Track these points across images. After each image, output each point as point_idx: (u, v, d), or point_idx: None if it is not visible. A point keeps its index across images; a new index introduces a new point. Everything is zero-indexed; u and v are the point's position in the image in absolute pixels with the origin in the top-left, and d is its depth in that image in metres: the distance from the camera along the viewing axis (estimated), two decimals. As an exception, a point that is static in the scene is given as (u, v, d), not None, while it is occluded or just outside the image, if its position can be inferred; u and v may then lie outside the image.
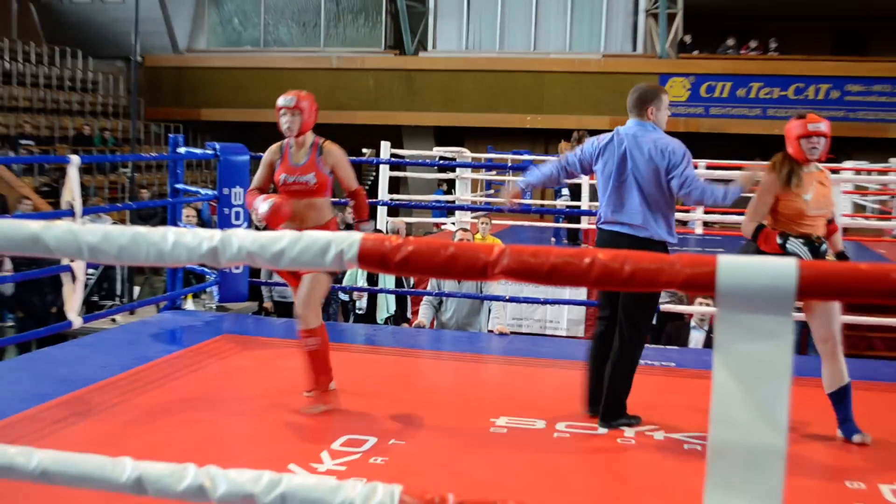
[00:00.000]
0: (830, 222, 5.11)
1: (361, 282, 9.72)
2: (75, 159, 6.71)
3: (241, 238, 1.70)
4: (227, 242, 1.70)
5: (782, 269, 1.55)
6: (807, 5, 23.30)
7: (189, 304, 8.57)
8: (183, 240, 1.73)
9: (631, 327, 5.22)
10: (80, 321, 6.88)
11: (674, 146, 5.22)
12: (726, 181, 6.21)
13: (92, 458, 1.86)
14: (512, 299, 8.58)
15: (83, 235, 1.74)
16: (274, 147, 5.73)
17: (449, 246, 1.60)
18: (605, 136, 5.46)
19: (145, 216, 14.94)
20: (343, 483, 1.68)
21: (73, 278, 6.88)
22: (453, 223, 12.69)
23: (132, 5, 19.31)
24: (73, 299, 6.85)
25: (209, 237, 1.72)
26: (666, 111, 5.42)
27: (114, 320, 9.09)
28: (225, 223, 8.04)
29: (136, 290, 11.53)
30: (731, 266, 1.56)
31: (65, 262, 6.79)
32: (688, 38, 23.91)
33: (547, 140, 22.94)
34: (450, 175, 16.32)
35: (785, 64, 22.68)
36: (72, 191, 6.70)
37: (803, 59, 22.88)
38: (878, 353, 9.96)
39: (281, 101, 5.52)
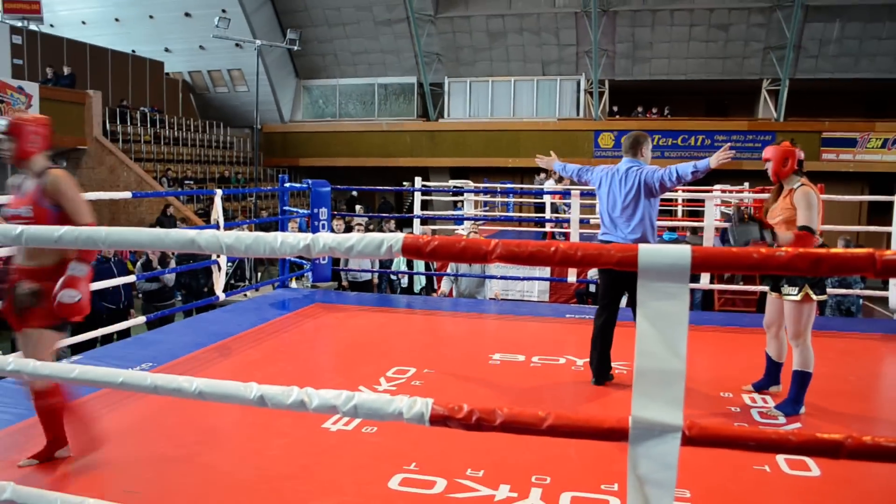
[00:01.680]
0: (802, 229, 4.01)
1: (403, 267, 9.75)
2: (219, 192, 6.71)
3: (324, 238, 1.68)
4: (315, 241, 1.68)
5: (681, 252, 1.51)
6: (687, 85, 23.22)
7: (294, 284, 8.55)
8: (287, 240, 1.71)
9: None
10: (224, 296, 6.89)
11: (650, 168, 4.58)
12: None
13: (231, 384, 1.84)
14: (502, 277, 8.54)
15: (222, 238, 1.71)
16: (19, 175, 3.40)
17: (462, 241, 1.58)
18: (610, 168, 4.74)
19: (264, 229, 14.92)
20: (394, 397, 1.66)
21: (219, 268, 6.88)
22: (463, 230, 12.62)
23: (254, 93, 19.39)
24: (219, 282, 6.85)
25: (304, 238, 1.70)
26: (650, 152, 4.74)
27: (245, 295, 9.08)
28: (315, 231, 8.04)
29: (259, 274, 11.54)
30: (647, 251, 1.52)
31: (213, 257, 6.79)
32: (614, 108, 23.85)
33: (522, 175, 22.88)
34: (460, 198, 16.29)
35: (675, 123, 22.59)
36: (217, 212, 6.70)
37: (686, 119, 22.79)
38: (739, 308, 9.88)
39: None
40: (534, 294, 10.37)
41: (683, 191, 12.64)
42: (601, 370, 4.62)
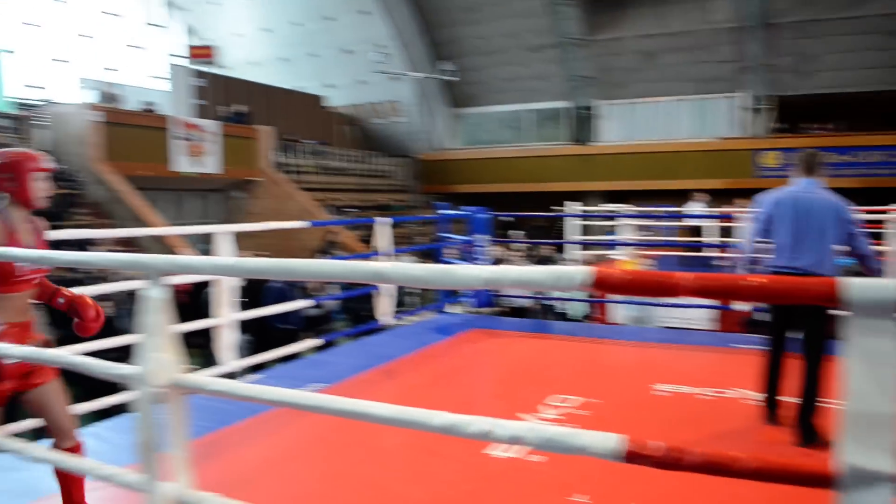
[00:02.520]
0: None
1: (558, 294, 9.64)
2: (382, 220, 6.93)
3: (511, 272, 1.66)
4: (502, 275, 1.67)
5: (889, 286, 1.40)
6: (860, 97, 21.62)
7: (454, 309, 8.63)
8: (474, 273, 1.71)
9: (812, 354, 4.07)
10: (388, 320, 7.07)
11: (844, 203, 4.20)
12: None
13: (416, 410, 1.85)
14: (666, 304, 8.22)
15: (412, 271, 1.75)
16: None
17: (653, 275, 1.52)
18: (784, 191, 4.35)
19: (425, 255, 15.04)
20: (582, 431, 1.62)
21: (382, 293, 7.07)
22: (619, 255, 12.33)
23: (410, 123, 20.05)
24: (382, 306, 7.04)
25: (490, 271, 1.68)
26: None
27: (406, 319, 9.28)
28: (474, 260, 8.11)
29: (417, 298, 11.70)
30: (857, 285, 1.42)
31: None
32: (778, 125, 22.62)
33: (681, 198, 22.07)
34: (615, 223, 15.95)
35: (847, 138, 21.03)
36: (385, 240, 6.89)
37: (859, 134, 21.19)
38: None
39: (47, 162, 2.99)
40: (699, 322, 9.92)
41: (862, 210, 11.70)
42: (776, 407, 4.33)
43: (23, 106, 18.00)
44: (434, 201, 25.13)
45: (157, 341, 2.08)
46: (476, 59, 25.00)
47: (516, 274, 1.66)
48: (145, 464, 2.12)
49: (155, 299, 2.08)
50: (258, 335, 9.17)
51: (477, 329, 7.27)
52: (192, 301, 7.70)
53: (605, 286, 1.55)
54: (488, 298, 8.43)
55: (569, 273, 1.57)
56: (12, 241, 2.86)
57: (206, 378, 2.10)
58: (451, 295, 8.90)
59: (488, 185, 24.93)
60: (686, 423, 4.26)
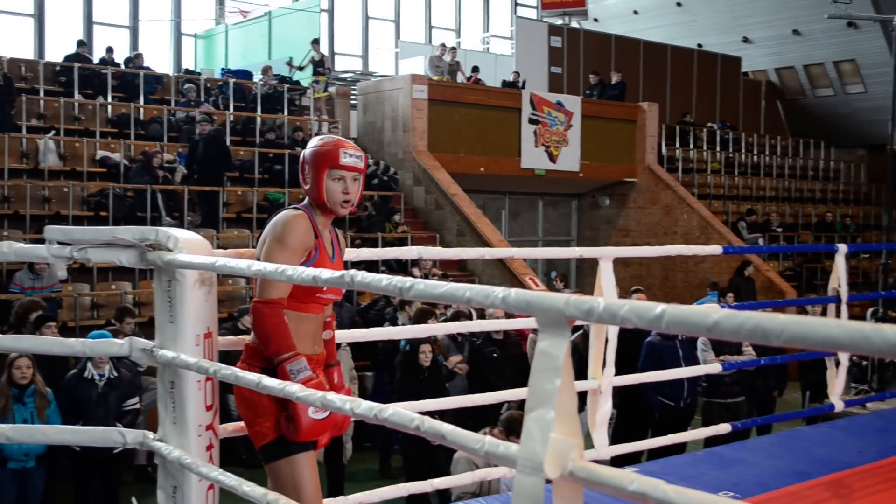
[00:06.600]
0: None
1: None
2: (843, 248, 6.62)
3: None
4: None
5: None
6: None
7: (943, 396, 8.02)
8: None
9: None
10: (842, 405, 6.74)
11: None
12: None
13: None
14: None
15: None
16: (305, 223, 3.34)
17: None
18: None
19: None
20: None
21: (837, 363, 6.77)
22: None
23: (873, 95, 18.88)
24: (836, 383, 6.72)
25: None
26: None
27: (864, 407, 8.82)
28: None
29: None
30: None
31: (828, 345, 6.69)
32: None
33: None
34: None
35: None
36: (839, 278, 6.60)
37: None
38: None
39: (352, 158, 3.35)
40: None
41: None
42: None
43: (332, 80, 20.22)
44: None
45: (554, 415, 2.16)
46: None
47: None
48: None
49: (554, 357, 2.17)
50: (626, 409, 9.24)
51: None
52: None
53: None
54: None
55: None
56: (319, 249, 3.38)
57: (620, 472, 2.15)
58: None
59: None
60: None
